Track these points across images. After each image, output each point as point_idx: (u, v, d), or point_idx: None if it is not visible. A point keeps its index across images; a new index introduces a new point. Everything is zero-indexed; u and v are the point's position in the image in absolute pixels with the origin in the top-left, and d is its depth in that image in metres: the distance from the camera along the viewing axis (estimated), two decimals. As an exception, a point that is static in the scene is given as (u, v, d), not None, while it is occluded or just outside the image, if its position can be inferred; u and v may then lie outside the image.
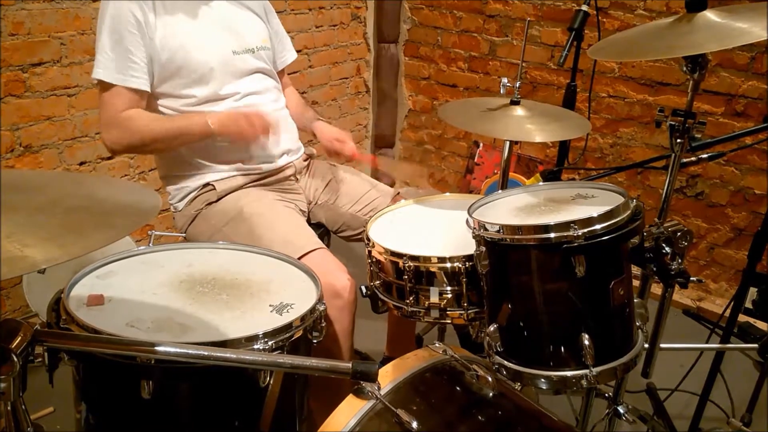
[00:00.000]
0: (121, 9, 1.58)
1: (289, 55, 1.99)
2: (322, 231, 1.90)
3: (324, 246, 1.63)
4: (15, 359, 0.75)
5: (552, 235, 1.16)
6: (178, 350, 0.87)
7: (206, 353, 0.87)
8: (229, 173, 1.75)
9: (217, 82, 1.69)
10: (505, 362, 1.26)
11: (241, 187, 1.75)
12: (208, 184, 1.74)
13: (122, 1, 1.58)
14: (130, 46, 1.58)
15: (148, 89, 1.64)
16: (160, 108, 1.69)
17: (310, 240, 1.62)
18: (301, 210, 1.82)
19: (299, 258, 1.46)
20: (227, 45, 1.72)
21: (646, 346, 1.51)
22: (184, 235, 1.79)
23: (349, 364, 0.88)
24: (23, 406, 0.80)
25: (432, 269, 1.39)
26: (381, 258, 1.46)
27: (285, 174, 1.84)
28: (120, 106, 1.61)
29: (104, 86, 1.61)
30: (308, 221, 1.87)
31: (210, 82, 1.68)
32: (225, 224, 1.68)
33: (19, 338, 0.76)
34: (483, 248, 1.25)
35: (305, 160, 1.93)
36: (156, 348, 0.86)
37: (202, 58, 1.66)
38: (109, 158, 2.54)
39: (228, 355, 0.90)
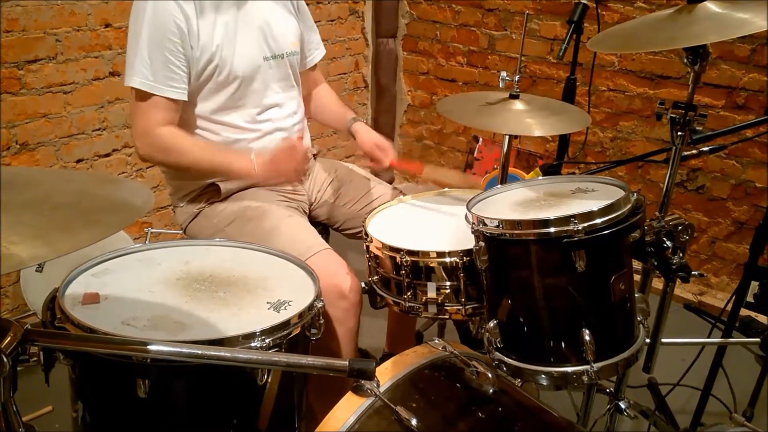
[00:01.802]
0: (163, 14, 1.50)
1: (317, 53, 1.93)
2: (320, 228, 1.89)
3: (328, 246, 1.61)
4: (4, 359, 0.73)
5: (552, 229, 1.15)
6: (172, 349, 0.86)
7: (200, 352, 0.86)
8: None
9: (244, 89, 1.65)
10: (505, 358, 1.25)
11: (245, 188, 1.73)
12: (212, 183, 1.72)
13: (164, 1, 1.50)
14: (171, 55, 1.52)
15: (185, 98, 1.58)
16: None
17: (314, 241, 1.60)
18: (303, 210, 1.81)
19: (305, 260, 1.44)
20: (260, 50, 1.67)
21: (648, 341, 1.50)
22: (181, 232, 1.77)
23: (346, 362, 0.87)
24: (14, 407, 0.79)
25: (430, 264, 1.38)
26: (379, 253, 1.45)
27: None
28: (157, 118, 1.55)
29: (140, 94, 1.54)
30: (309, 220, 1.85)
31: (237, 89, 1.64)
32: (227, 224, 1.66)
33: (9, 338, 0.75)
34: (482, 243, 1.24)
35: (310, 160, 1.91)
36: (149, 347, 0.84)
37: (234, 63, 1.61)
38: (106, 155, 2.53)
39: (223, 353, 0.89)
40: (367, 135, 1.82)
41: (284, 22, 1.76)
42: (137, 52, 1.52)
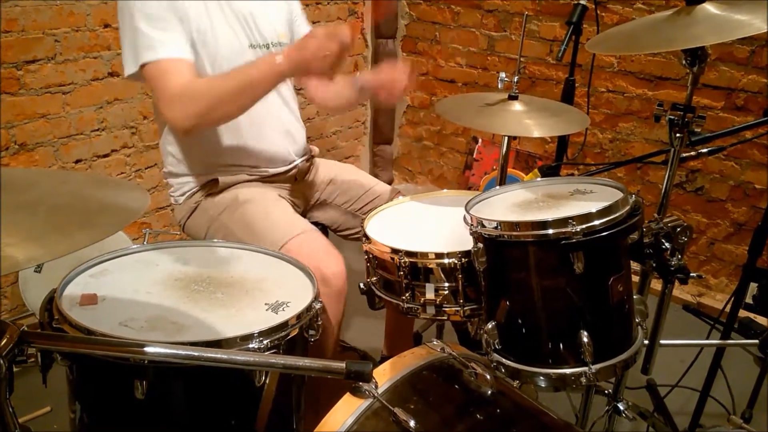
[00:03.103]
0: None
1: None
2: (319, 229, 1.88)
3: (315, 229, 1.60)
4: (1, 361, 0.73)
5: (550, 231, 1.15)
6: (168, 351, 0.86)
7: (197, 354, 0.85)
8: (235, 172, 1.73)
9: None
10: (504, 360, 1.25)
11: (241, 182, 1.73)
12: (212, 179, 1.72)
13: None
14: (169, 24, 1.49)
15: (193, 59, 1.53)
16: None
17: (299, 223, 1.60)
18: (295, 204, 1.81)
19: (288, 240, 1.42)
20: (246, 38, 1.65)
21: (646, 342, 1.50)
22: (178, 233, 1.77)
23: (343, 364, 0.87)
24: (11, 409, 0.79)
25: (429, 265, 1.38)
26: (378, 254, 1.44)
27: (289, 175, 1.81)
28: (177, 79, 1.48)
29: (152, 68, 1.49)
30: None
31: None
32: (221, 213, 1.67)
33: (5, 339, 0.75)
34: (480, 245, 1.24)
35: (308, 161, 1.89)
36: (146, 349, 0.84)
37: (218, 48, 1.59)
38: (105, 156, 2.52)
39: (220, 355, 0.89)
40: (374, 79, 1.74)
41: (272, 12, 1.74)
42: (138, 32, 1.48)
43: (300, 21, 1.87)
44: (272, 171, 1.77)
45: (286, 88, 1.81)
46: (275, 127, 1.75)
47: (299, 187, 1.85)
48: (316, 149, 1.97)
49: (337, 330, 1.60)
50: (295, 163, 1.81)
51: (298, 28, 1.87)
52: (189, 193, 1.75)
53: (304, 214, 1.87)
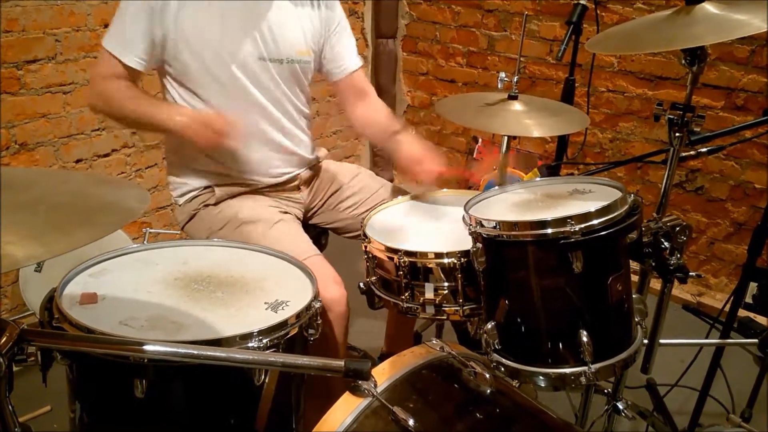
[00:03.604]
0: None
1: (348, 63, 1.81)
2: (319, 232, 1.88)
3: (319, 253, 1.60)
4: (1, 360, 0.74)
5: (549, 230, 1.14)
6: (167, 349, 0.86)
7: (196, 352, 0.86)
8: (230, 179, 1.71)
9: (237, 87, 1.61)
10: (503, 359, 1.25)
11: (239, 195, 1.72)
12: (209, 186, 1.71)
13: None
14: (133, 24, 1.53)
15: (142, 69, 1.58)
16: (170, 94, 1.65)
17: (304, 248, 1.60)
18: (296, 217, 1.79)
19: None
20: (256, 50, 1.61)
21: (646, 341, 1.50)
22: (179, 233, 1.77)
23: (342, 362, 0.87)
24: (10, 407, 0.79)
25: (428, 265, 1.38)
26: (377, 254, 1.44)
27: (289, 185, 1.80)
28: (106, 72, 1.58)
29: (102, 52, 1.58)
30: (308, 223, 1.84)
31: (230, 86, 1.60)
32: (220, 228, 1.66)
33: (5, 338, 0.75)
34: (479, 245, 1.24)
35: (311, 168, 1.87)
36: (146, 348, 0.84)
37: (223, 58, 1.57)
38: (105, 155, 2.53)
39: (219, 354, 0.89)
40: (405, 151, 1.69)
41: (296, 26, 1.68)
42: (116, 17, 1.57)
43: (340, 34, 1.79)
44: (267, 182, 1.75)
45: (294, 98, 1.75)
46: (266, 141, 1.71)
47: (301, 195, 1.84)
48: (323, 152, 1.93)
49: (341, 350, 1.59)
50: (293, 173, 1.79)
51: (337, 39, 1.79)
52: (187, 196, 1.74)
53: (306, 220, 1.86)
